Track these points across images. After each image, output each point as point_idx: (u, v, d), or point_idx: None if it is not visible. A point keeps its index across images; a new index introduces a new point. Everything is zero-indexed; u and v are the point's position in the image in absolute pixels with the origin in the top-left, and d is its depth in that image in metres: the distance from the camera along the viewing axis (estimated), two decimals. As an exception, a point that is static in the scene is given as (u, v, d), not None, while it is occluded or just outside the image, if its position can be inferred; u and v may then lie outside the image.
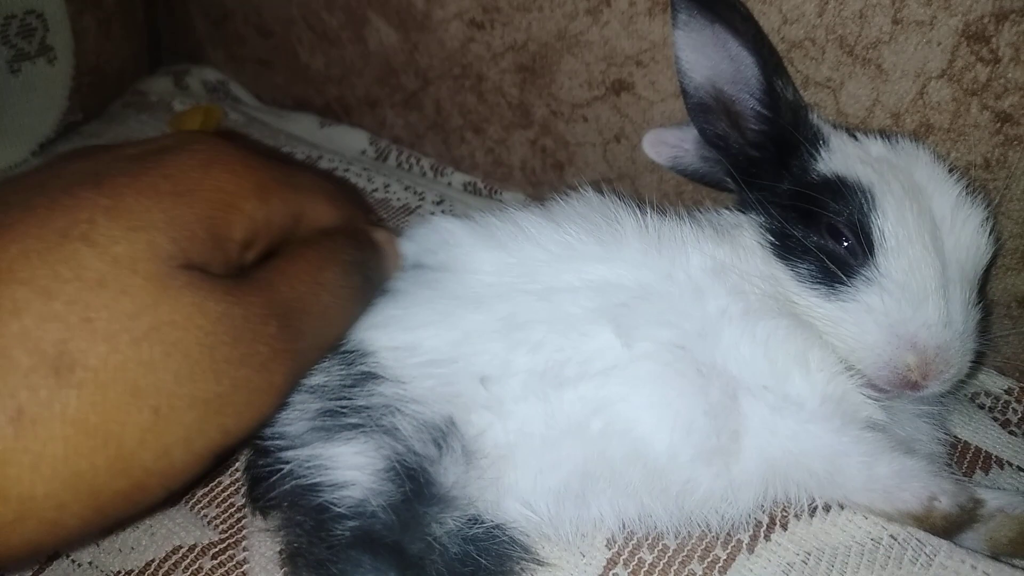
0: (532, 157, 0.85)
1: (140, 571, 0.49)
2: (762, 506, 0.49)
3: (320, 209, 0.49)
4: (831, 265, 0.51)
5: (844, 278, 0.50)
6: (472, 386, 0.48)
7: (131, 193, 0.37)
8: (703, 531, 0.49)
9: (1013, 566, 0.45)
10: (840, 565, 0.46)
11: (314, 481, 0.45)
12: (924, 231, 0.51)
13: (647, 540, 0.50)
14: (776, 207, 0.55)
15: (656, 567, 0.48)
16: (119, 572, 0.49)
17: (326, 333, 0.46)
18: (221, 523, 0.52)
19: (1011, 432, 0.60)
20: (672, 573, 0.48)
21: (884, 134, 0.57)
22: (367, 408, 0.46)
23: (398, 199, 0.86)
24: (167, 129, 0.93)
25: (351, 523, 0.44)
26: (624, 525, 0.49)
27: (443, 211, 0.84)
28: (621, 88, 0.73)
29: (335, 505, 0.44)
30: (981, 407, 0.62)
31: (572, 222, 0.53)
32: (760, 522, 0.49)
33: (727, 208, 0.59)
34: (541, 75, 0.78)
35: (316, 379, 0.48)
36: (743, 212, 0.57)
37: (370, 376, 0.48)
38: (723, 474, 0.47)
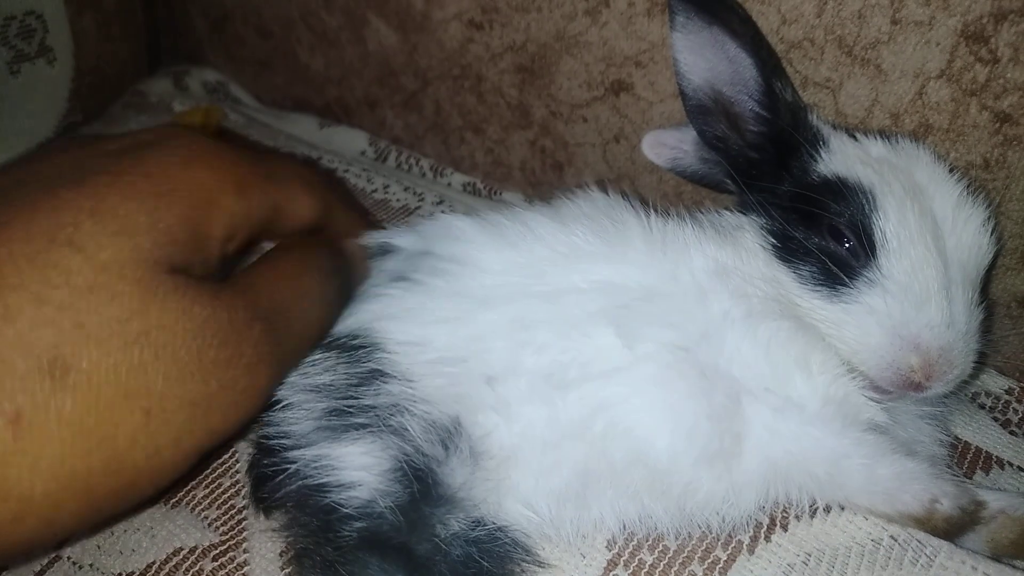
0: (531, 157, 0.85)
1: (141, 573, 0.49)
2: (763, 507, 0.49)
3: (298, 199, 0.50)
4: (833, 267, 0.51)
5: (846, 280, 0.50)
6: (479, 387, 0.47)
7: (113, 194, 0.38)
8: (704, 532, 0.49)
9: (1014, 567, 0.45)
10: (840, 566, 0.46)
11: (321, 481, 0.45)
12: (926, 232, 0.51)
13: (647, 541, 0.50)
14: (777, 209, 0.55)
15: (656, 568, 0.48)
16: (120, 574, 0.49)
17: (306, 336, 0.48)
18: (222, 525, 0.52)
19: (1011, 432, 0.60)
20: (672, 574, 0.48)
21: (884, 134, 0.57)
22: (374, 408, 0.46)
23: (398, 200, 0.86)
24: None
25: (358, 524, 0.44)
26: (625, 526, 0.49)
27: (443, 212, 0.84)
28: (620, 89, 0.73)
29: (342, 506, 0.45)
30: (981, 407, 0.62)
31: (579, 222, 0.53)
32: (760, 523, 0.49)
33: (728, 209, 0.59)
34: (540, 76, 0.78)
35: (323, 378, 0.48)
36: (744, 214, 0.57)
37: (378, 374, 0.47)
38: (724, 476, 0.47)
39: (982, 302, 0.53)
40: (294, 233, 0.51)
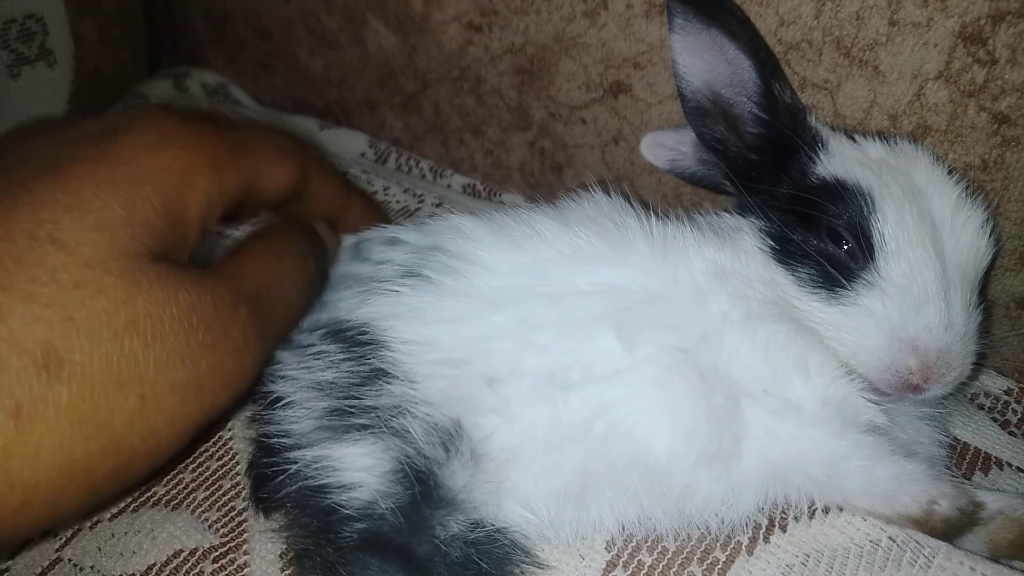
0: (531, 159, 0.85)
1: (142, 575, 0.50)
2: (761, 509, 0.49)
3: (274, 167, 0.51)
4: (831, 269, 0.51)
5: (844, 282, 0.50)
6: (481, 389, 0.48)
7: (88, 186, 0.39)
8: (702, 533, 0.49)
9: (1012, 568, 0.45)
10: (839, 567, 0.47)
11: (322, 482, 0.46)
12: (924, 234, 0.51)
13: (646, 542, 0.50)
14: (775, 211, 0.55)
15: (655, 569, 0.49)
16: (120, 577, 0.50)
17: (288, 317, 0.50)
18: (222, 527, 0.53)
19: (1010, 433, 0.60)
20: (671, 575, 0.48)
21: (882, 136, 0.57)
22: (376, 409, 0.46)
23: (397, 201, 0.86)
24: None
25: (359, 525, 0.44)
26: (624, 527, 0.49)
27: (448, 212, 0.84)
28: (619, 90, 0.73)
29: (343, 506, 0.45)
30: (981, 408, 0.62)
31: (582, 224, 0.53)
32: (759, 524, 0.49)
33: (727, 211, 0.59)
34: (539, 77, 0.78)
35: (326, 374, 0.48)
36: (742, 216, 0.57)
37: (381, 373, 0.47)
38: (724, 478, 0.47)
39: (981, 303, 0.53)
40: (274, 200, 0.52)
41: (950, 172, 0.55)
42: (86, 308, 0.36)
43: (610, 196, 0.56)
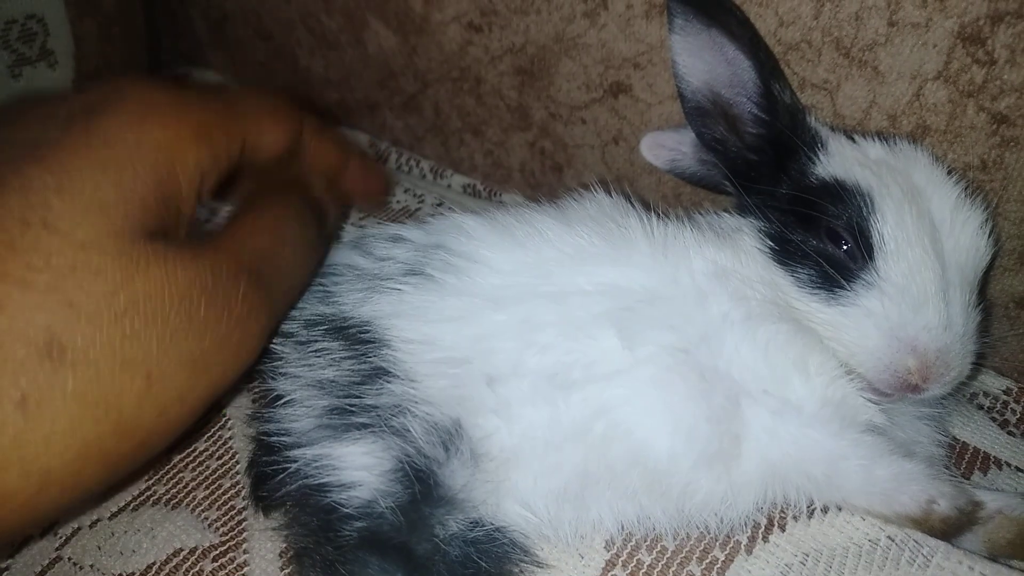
0: (531, 159, 0.85)
1: (141, 574, 0.50)
2: (761, 508, 0.49)
3: (266, 129, 0.50)
4: (830, 269, 0.51)
5: (844, 282, 0.50)
6: (480, 389, 0.48)
7: (76, 168, 0.38)
8: (702, 533, 0.49)
9: (1011, 567, 0.45)
10: (838, 566, 0.47)
11: (322, 481, 0.46)
12: (923, 234, 0.51)
13: (646, 542, 0.50)
14: (775, 211, 0.55)
15: (655, 568, 0.49)
16: (120, 575, 0.50)
17: (291, 284, 0.50)
18: (222, 526, 0.53)
19: (1009, 432, 0.60)
20: (671, 574, 0.48)
21: (882, 136, 0.57)
22: (376, 408, 0.46)
23: (398, 201, 0.86)
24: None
25: (359, 523, 0.44)
26: (623, 527, 0.49)
27: (450, 210, 0.84)
28: (619, 90, 0.73)
29: (343, 505, 0.45)
30: (980, 407, 0.62)
31: (584, 224, 0.53)
32: (758, 524, 0.50)
33: (727, 211, 0.60)
34: (539, 78, 0.78)
35: (327, 372, 0.48)
36: (742, 216, 0.57)
37: (382, 372, 0.48)
38: (723, 477, 0.47)
39: (980, 303, 0.53)
40: (270, 163, 0.51)
41: (949, 172, 0.55)
42: (85, 292, 0.36)
43: (611, 196, 0.56)
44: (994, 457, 0.57)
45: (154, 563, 0.50)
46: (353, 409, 0.47)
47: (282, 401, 0.49)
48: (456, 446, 0.46)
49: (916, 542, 0.46)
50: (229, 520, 0.53)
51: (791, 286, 0.52)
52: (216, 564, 0.50)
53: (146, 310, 0.37)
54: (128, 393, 0.37)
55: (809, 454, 0.47)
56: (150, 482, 0.56)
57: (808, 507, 0.49)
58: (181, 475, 0.56)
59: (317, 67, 0.97)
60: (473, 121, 0.87)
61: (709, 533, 0.49)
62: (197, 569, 0.50)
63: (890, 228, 0.51)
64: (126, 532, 0.52)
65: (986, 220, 0.53)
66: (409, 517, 0.44)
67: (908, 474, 0.47)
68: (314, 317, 0.52)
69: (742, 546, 0.49)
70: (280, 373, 0.50)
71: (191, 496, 0.55)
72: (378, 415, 0.46)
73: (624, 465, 0.47)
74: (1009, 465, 0.56)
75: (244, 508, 0.54)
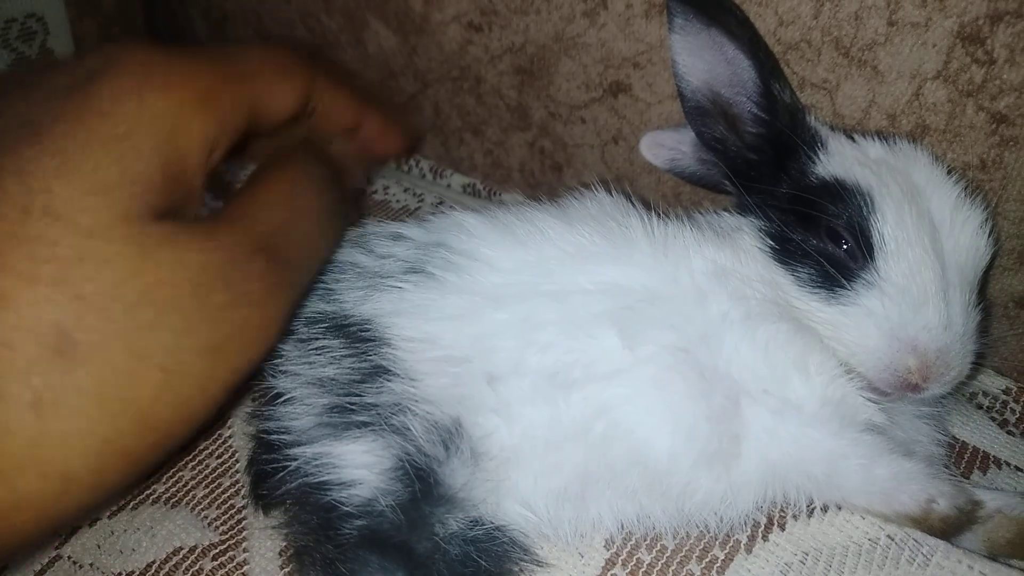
0: (531, 159, 0.85)
1: (141, 572, 0.50)
2: (761, 507, 0.49)
3: (277, 88, 0.46)
4: (831, 269, 0.51)
5: (844, 282, 0.50)
6: (481, 388, 0.48)
7: (74, 147, 0.35)
8: (701, 532, 0.49)
9: (1010, 567, 0.45)
10: (838, 565, 0.47)
11: (322, 479, 0.46)
12: (923, 233, 0.51)
13: (645, 541, 0.50)
14: (775, 210, 0.55)
15: (654, 567, 0.49)
16: (120, 573, 0.50)
17: (311, 257, 0.46)
18: (221, 524, 0.53)
19: (1009, 432, 0.60)
20: (670, 573, 0.48)
21: (881, 136, 0.57)
22: (376, 406, 0.46)
23: (397, 201, 0.86)
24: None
25: (359, 522, 0.44)
26: (623, 526, 0.49)
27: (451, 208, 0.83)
28: (619, 90, 0.73)
29: (343, 504, 0.45)
30: (979, 407, 0.62)
31: (585, 223, 0.53)
32: (758, 523, 0.50)
33: (726, 211, 0.60)
34: (539, 77, 0.78)
35: (327, 370, 0.48)
36: (742, 215, 0.57)
37: (382, 371, 0.47)
38: (723, 477, 0.47)
39: (980, 303, 0.54)
40: (283, 124, 0.48)
41: (949, 172, 0.55)
42: (93, 283, 0.34)
43: (612, 195, 0.56)
44: (993, 456, 0.57)
45: (154, 562, 0.50)
46: (353, 407, 0.47)
47: (282, 399, 0.49)
48: (456, 445, 0.46)
49: (916, 541, 0.46)
50: (229, 519, 0.53)
51: (791, 285, 0.52)
52: (216, 563, 0.50)
53: (158, 298, 0.35)
54: (145, 387, 0.35)
55: (809, 453, 0.47)
56: (150, 481, 0.55)
57: (808, 506, 0.49)
58: (181, 474, 0.56)
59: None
60: (473, 121, 0.87)
61: (709, 532, 0.49)
62: (197, 568, 0.50)
63: (890, 228, 0.51)
64: (126, 531, 0.52)
65: (986, 220, 0.53)
66: (409, 516, 0.44)
67: (908, 473, 0.47)
68: (314, 314, 0.52)
69: (742, 545, 0.49)
70: (280, 371, 0.50)
71: (191, 495, 0.55)
72: (378, 413, 0.46)
73: (624, 464, 0.47)
74: (1008, 464, 0.57)
75: (244, 507, 0.54)
